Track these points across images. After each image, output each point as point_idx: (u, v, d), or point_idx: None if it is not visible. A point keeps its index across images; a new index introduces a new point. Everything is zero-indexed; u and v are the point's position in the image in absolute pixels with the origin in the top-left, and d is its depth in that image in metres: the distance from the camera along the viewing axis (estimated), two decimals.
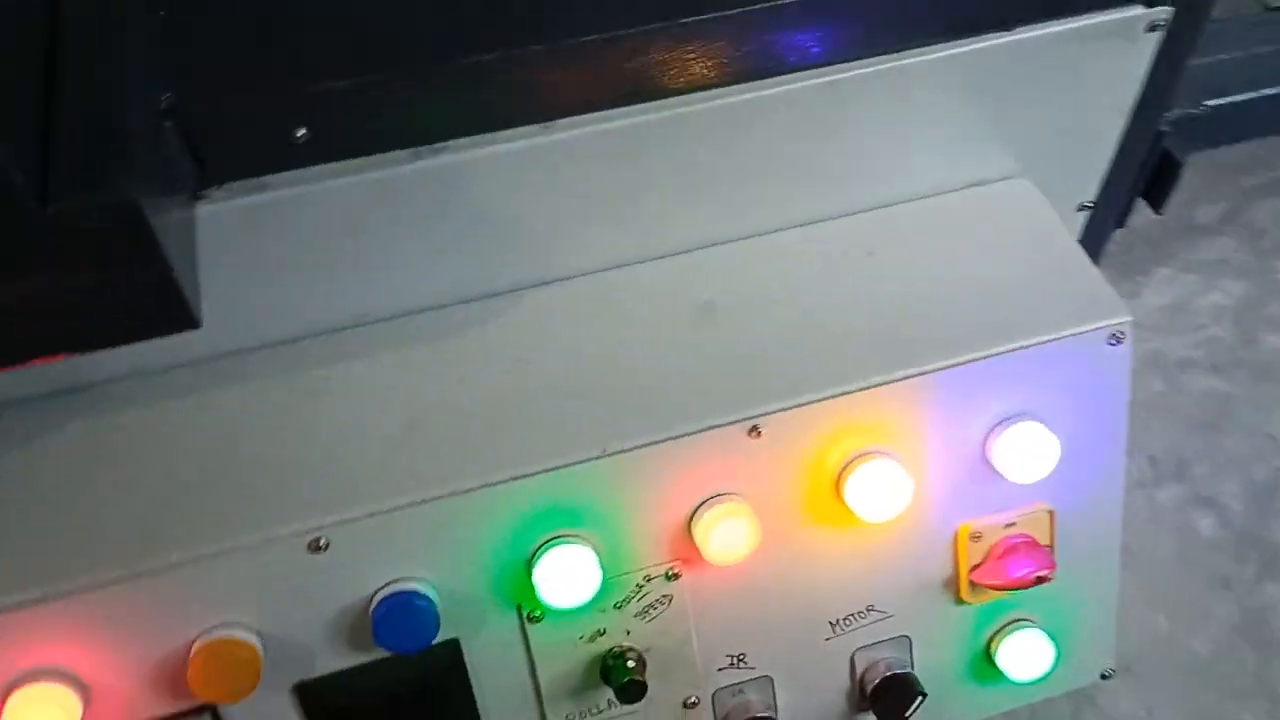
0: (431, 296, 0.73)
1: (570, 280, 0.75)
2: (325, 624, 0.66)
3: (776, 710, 0.78)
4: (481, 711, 0.72)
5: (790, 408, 0.69)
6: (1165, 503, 1.45)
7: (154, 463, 0.66)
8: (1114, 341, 0.71)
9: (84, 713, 0.62)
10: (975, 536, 0.75)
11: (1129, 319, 0.71)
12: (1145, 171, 0.85)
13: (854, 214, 0.78)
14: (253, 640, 0.64)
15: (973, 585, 0.76)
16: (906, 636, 0.79)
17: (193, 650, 0.63)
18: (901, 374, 0.69)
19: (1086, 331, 0.71)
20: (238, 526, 0.63)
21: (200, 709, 0.66)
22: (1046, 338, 0.70)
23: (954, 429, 0.72)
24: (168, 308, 0.53)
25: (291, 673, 0.67)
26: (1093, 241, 0.85)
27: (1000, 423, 0.72)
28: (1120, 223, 0.88)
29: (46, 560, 0.62)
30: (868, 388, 0.69)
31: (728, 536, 0.69)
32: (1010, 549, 0.75)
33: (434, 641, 0.66)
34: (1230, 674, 1.30)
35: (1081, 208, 0.83)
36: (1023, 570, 0.74)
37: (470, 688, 0.71)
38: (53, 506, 0.64)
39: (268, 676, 0.65)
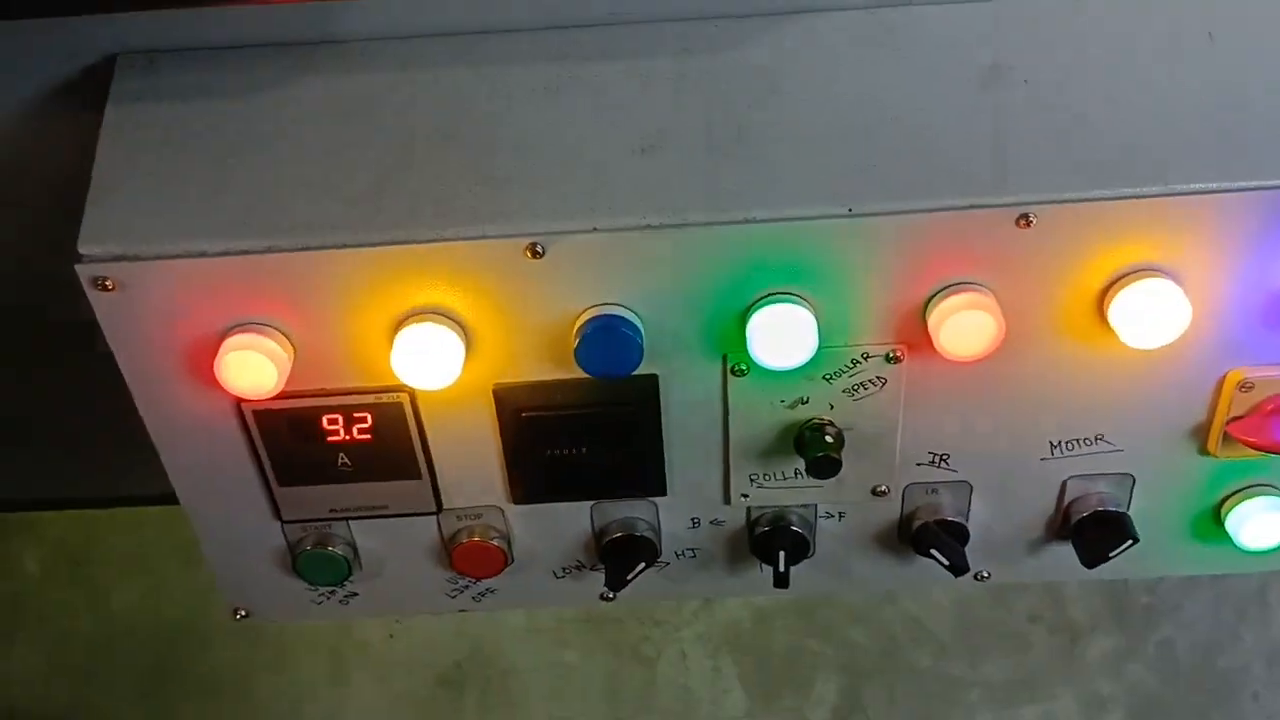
0: (691, 5, 0.66)
1: (845, 11, 0.66)
2: (532, 332, 0.64)
3: (968, 518, 0.74)
4: (666, 453, 0.70)
5: (1072, 200, 0.60)
6: None
7: (392, 131, 0.64)
8: None
9: (291, 366, 0.64)
10: (1245, 386, 0.66)
11: None
12: None
13: None
14: (458, 335, 0.63)
15: (1225, 438, 0.68)
16: (1130, 476, 0.72)
17: (398, 331, 0.63)
18: (1221, 185, 0.59)
19: None
20: (461, 221, 0.61)
21: (398, 390, 0.66)
22: None
23: (1257, 261, 0.61)
24: None
25: (494, 374, 0.66)
26: None
27: None
28: None
29: (280, 212, 0.61)
30: (1172, 194, 0.59)
31: (965, 329, 0.62)
32: None
33: (633, 372, 0.64)
34: None
35: None
36: None
37: (660, 427, 0.69)
38: (293, 159, 0.63)
39: (469, 373, 0.64)
